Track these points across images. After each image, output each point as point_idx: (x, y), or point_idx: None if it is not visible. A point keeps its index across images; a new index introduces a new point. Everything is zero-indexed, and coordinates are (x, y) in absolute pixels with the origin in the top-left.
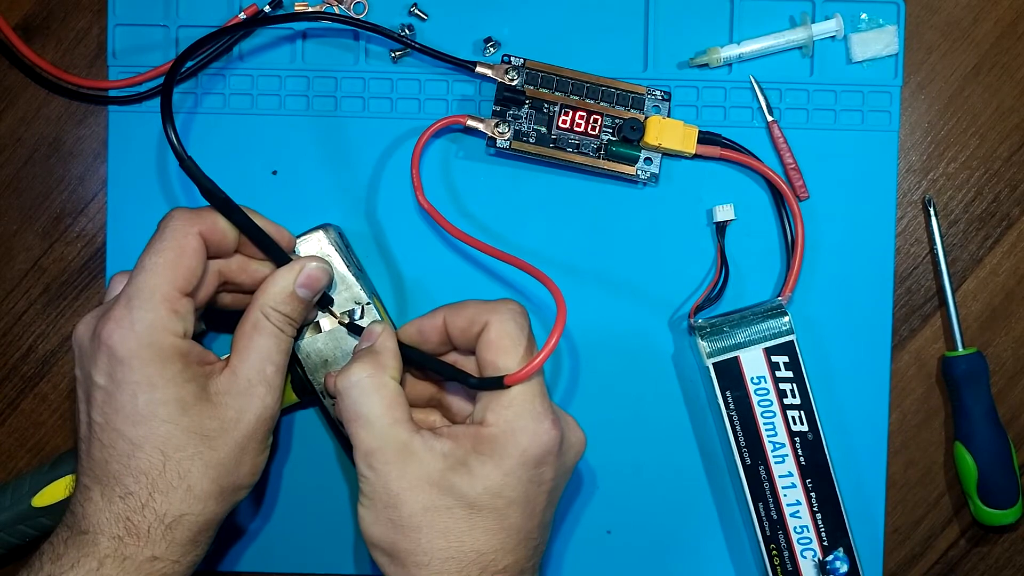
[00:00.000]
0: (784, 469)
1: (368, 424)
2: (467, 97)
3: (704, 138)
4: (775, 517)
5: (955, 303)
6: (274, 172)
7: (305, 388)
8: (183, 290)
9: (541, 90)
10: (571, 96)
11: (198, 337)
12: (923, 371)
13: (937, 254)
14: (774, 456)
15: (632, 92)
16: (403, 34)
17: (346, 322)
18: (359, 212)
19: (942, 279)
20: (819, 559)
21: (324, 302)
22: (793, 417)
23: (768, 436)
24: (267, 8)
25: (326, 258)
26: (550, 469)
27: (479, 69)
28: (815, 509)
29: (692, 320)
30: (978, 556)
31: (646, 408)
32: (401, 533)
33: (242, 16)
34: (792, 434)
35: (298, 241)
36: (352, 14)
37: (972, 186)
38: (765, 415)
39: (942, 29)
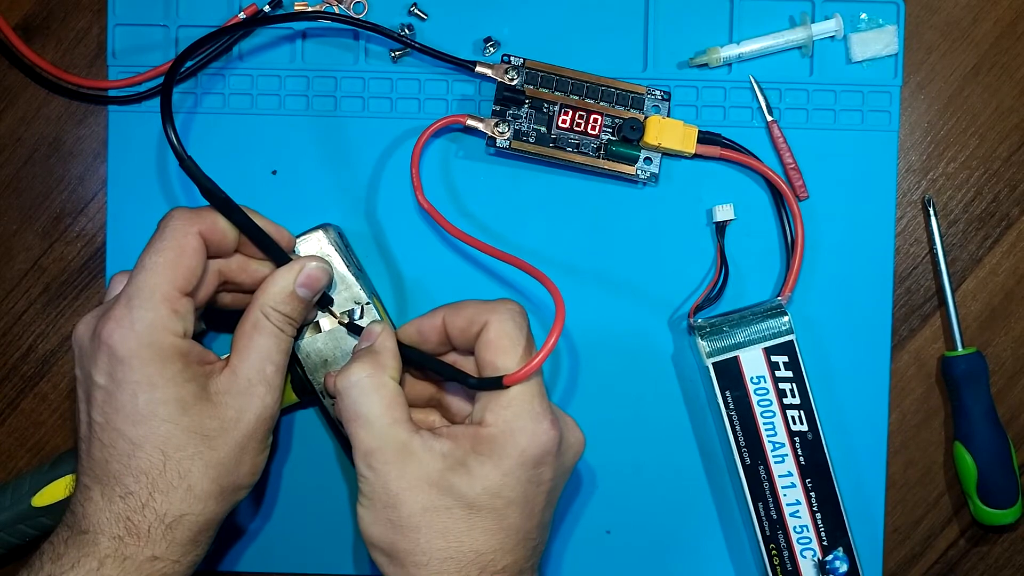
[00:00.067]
0: (784, 469)
1: (367, 424)
2: (467, 97)
3: (704, 138)
4: (775, 517)
5: (955, 303)
6: (274, 172)
7: (305, 388)
8: (183, 290)
9: (541, 90)
10: (571, 96)
11: (198, 337)
12: (923, 371)
13: (937, 254)
14: (774, 456)
15: (632, 92)
16: (403, 34)
17: (346, 322)
18: (359, 212)
19: (942, 279)
20: (819, 559)
21: (324, 302)
22: (793, 417)
23: (768, 436)
24: (267, 8)
25: (326, 258)
26: (549, 469)
27: (479, 69)
28: (815, 509)
29: (692, 320)
30: (978, 556)
31: (646, 408)
32: (400, 533)
33: (242, 16)
34: (792, 434)
35: (298, 241)
36: (352, 14)
37: (972, 186)
38: (765, 415)
39: (942, 29)
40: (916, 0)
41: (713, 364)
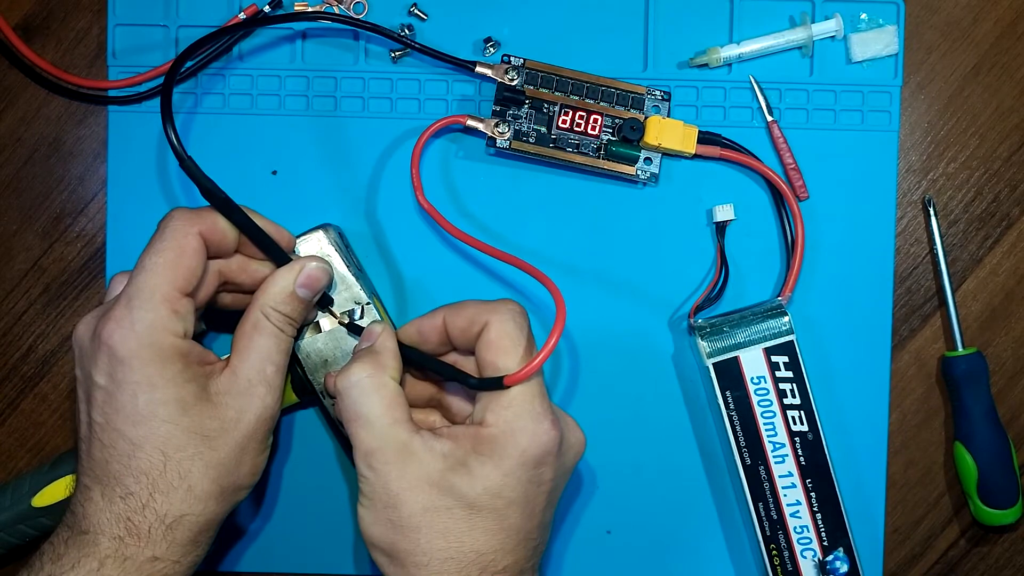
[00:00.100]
0: (784, 469)
1: (368, 424)
2: (467, 97)
3: (704, 138)
4: (775, 517)
5: (955, 303)
6: (274, 172)
7: (305, 388)
8: (183, 290)
9: (541, 90)
10: (571, 96)
11: (198, 337)
12: (923, 371)
13: (937, 254)
14: (774, 456)
15: (632, 92)
16: (403, 34)
17: (346, 322)
18: (359, 212)
19: (942, 279)
20: (819, 559)
21: (324, 302)
22: (793, 417)
23: (768, 436)
24: (267, 8)
25: (326, 258)
26: (549, 469)
27: (479, 69)
28: (815, 509)
29: (692, 320)
30: (978, 556)
31: (646, 408)
32: (401, 533)
33: (242, 16)
34: (792, 434)
35: (298, 241)
36: (352, 14)
37: (972, 186)
38: (765, 415)
39: (942, 29)
40: (916, 0)
41: (713, 364)
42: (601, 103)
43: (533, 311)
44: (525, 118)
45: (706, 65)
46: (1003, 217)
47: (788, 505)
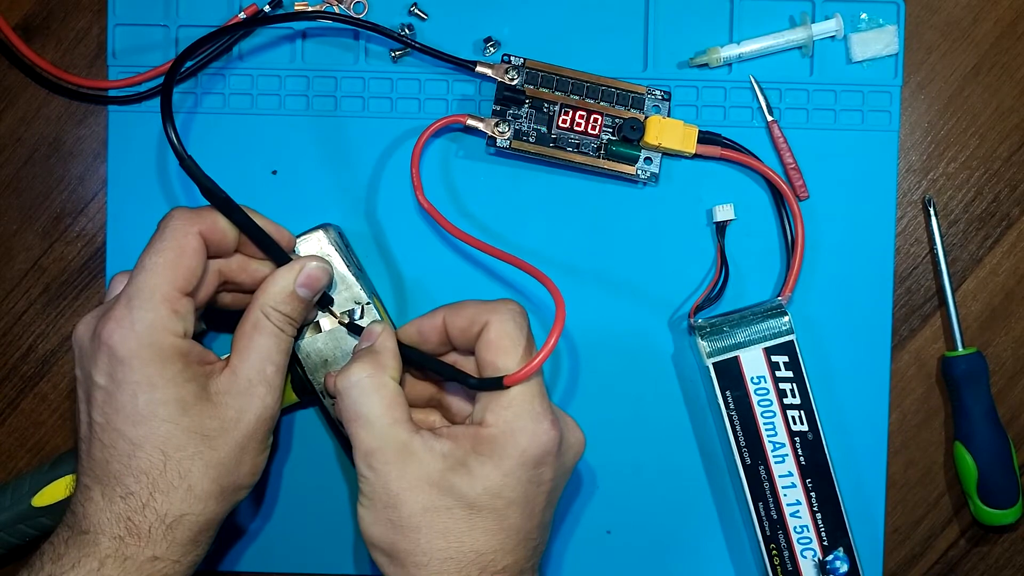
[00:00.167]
0: (784, 469)
1: (368, 424)
2: (467, 97)
3: (704, 138)
4: (775, 517)
5: (955, 303)
6: (274, 172)
7: (305, 388)
8: (183, 290)
9: (541, 90)
10: (571, 96)
11: (198, 337)
12: (923, 371)
13: (937, 254)
14: (774, 456)
15: (632, 92)
16: (403, 34)
17: (346, 322)
18: (359, 212)
19: (942, 279)
20: (819, 559)
21: (324, 302)
22: (793, 417)
23: (768, 436)
24: (267, 8)
25: (326, 258)
26: (549, 469)
27: (479, 69)
28: (815, 509)
29: (692, 320)
30: (978, 556)
31: (646, 408)
32: (400, 533)
33: (242, 16)
34: (792, 434)
35: (298, 241)
36: (352, 14)
37: (972, 186)
38: (765, 415)
39: (942, 29)
40: (916, 0)
41: (713, 364)
42: (601, 103)
43: (533, 311)
44: (525, 118)
45: (706, 65)
46: (1003, 217)
47: (788, 505)
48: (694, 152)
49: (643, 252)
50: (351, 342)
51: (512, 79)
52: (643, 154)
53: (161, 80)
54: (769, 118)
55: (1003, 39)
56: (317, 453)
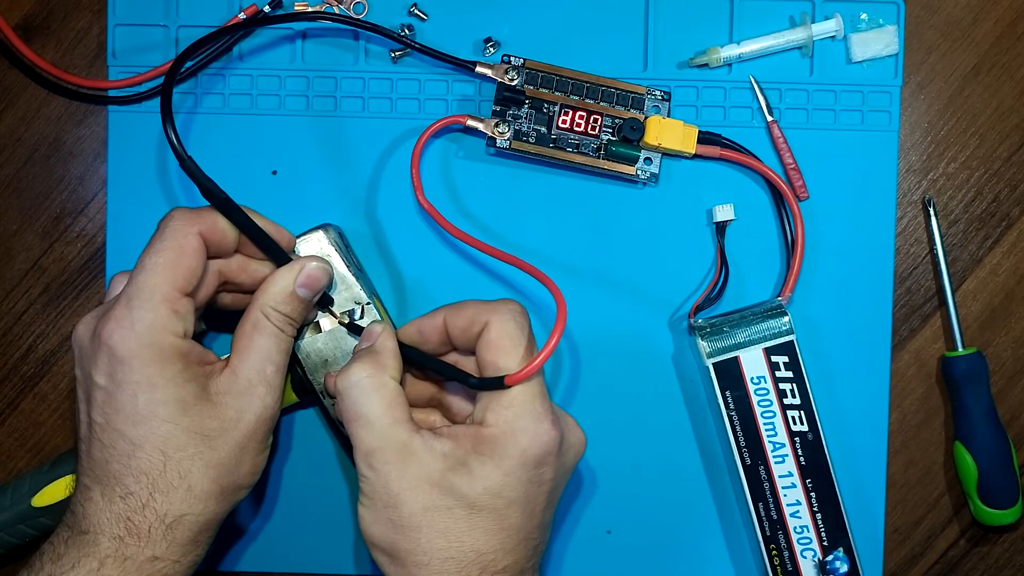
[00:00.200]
0: (784, 469)
1: (368, 424)
2: (467, 97)
3: (704, 138)
4: (775, 517)
5: (955, 303)
6: (274, 172)
7: (305, 388)
8: (183, 290)
9: (541, 90)
10: (571, 96)
11: (198, 337)
12: (923, 371)
13: (937, 254)
14: (774, 456)
15: (632, 92)
16: (403, 34)
17: (346, 322)
18: (359, 212)
19: (942, 279)
20: (819, 559)
21: (324, 302)
22: (793, 417)
23: (768, 436)
24: (267, 8)
25: (326, 258)
26: (550, 469)
27: (479, 69)
28: (815, 509)
29: (692, 320)
30: (978, 556)
31: (646, 408)
32: (401, 533)
33: (242, 16)
34: (792, 434)
35: (298, 241)
36: (352, 14)
37: (972, 186)
38: (765, 415)
39: (942, 29)
40: (916, 0)
41: (713, 364)
42: (601, 103)
43: (533, 311)
44: (525, 118)
45: (706, 65)
46: (1003, 217)
47: (788, 505)
48: (694, 152)
49: (643, 252)
50: (351, 342)
51: (512, 79)
52: (643, 154)
53: (161, 80)
54: (769, 118)
55: (1003, 39)
56: (317, 453)
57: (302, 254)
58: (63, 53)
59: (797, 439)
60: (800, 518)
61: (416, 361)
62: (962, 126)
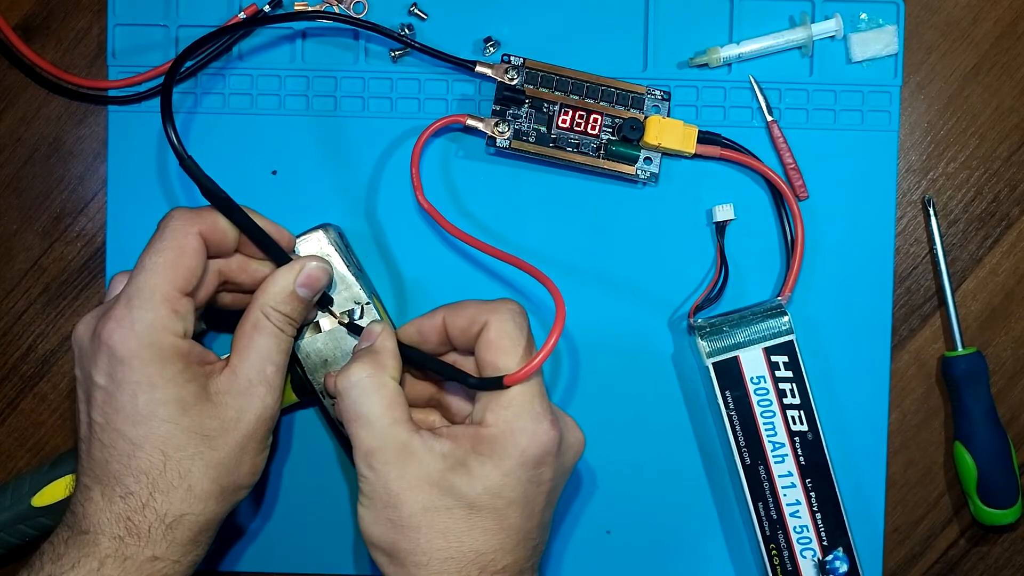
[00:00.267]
0: (784, 469)
1: (368, 424)
2: (467, 97)
3: (704, 138)
4: (775, 517)
5: (955, 303)
6: (274, 172)
7: (305, 388)
8: (183, 290)
9: (541, 90)
10: (571, 96)
11: (198, 337)
12: (923, 371)
13: (937, 254)
14: (774, 456)
15: (632, 92)
16: (403, 34)
17: (346, 322)
18: (359, 212)
19: (942, 279)
20: (819, 559)
21: (324, 302)
22: (793, 417)
23: (768, 436)
24: (267, 8)
25: (326, 258)
26: (549, 469)
27: (479, 69)
28: (815, 509)
29: (692, 320)
30: (978, 556)
31: (646, 408)
32: (400, 533)
33: (242, 16)
34: (792, 434)
35: (298, 241)
36: (352, 14)
37: (972, 186)
38: (765, 415)
39: (942, 29)
40: (916, 0)
41: (713, 364)
42: (601, 103)
43: (533, 311)
44: (525, 118)
45: (706, 65)
46: (1003, 217)
47: (788, 505)
48: (694, 152)
49: (643, 252)
50: (351, 342)
51: (512, 79)
52: (643, 154)
53: (161, 80)
54: (769, 118)
55: (1003, 39)
56: (317, 453)
57: (302, 254)
58: (63, 53)
59: (797, 439)
60: (800, 518)
61: (416, 361)
62: (962, 126)
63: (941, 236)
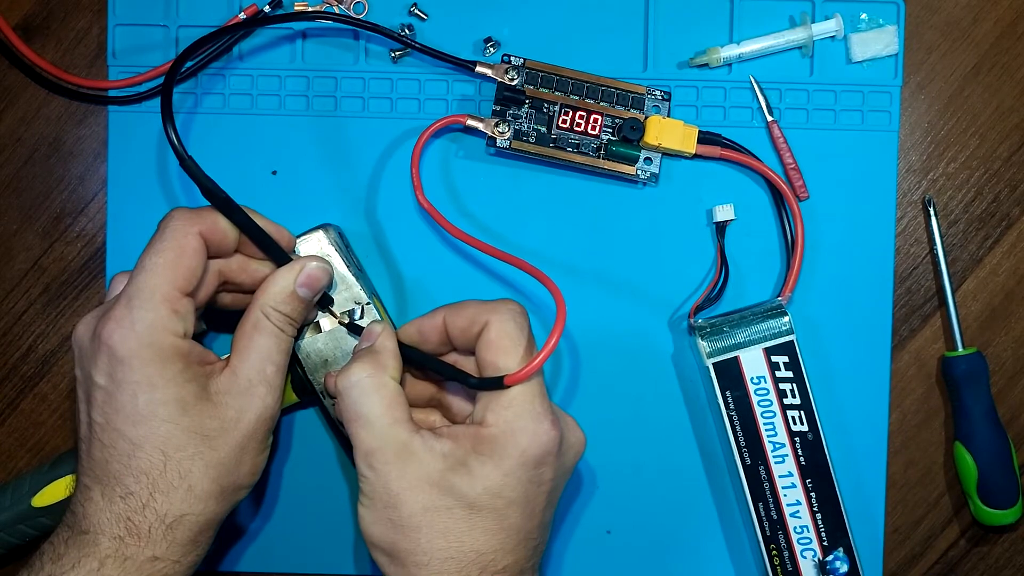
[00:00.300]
0: (784, 469)
1: (368, 424)
2: (467, 97)
3: (704, 138)
4: (775, 517)
5: (955, 303)
6: (274, 172)
7: (305, 388)
8: (183, 290)
9: (541, 90)
10: (571, 96)
11: (198, 337)
12: (923, 371)
13: (937, 254)
14: (774, 456)
15: (632, 92)
16: (403, 34)
17: (346, 322)
18: (359, 212)
19: (942, 279)
20: (819, 559)
21: (324, 302)
22: (793, 417)
23: (768, 436)
24: (267, 8)
25: (326, 258)
26: (549, 469)
27: (479, 69)
28: (815, 509)
29: (692, 320)
30: (978, 556)
31: (646, 408)
32: (401, 533)
33: (242, 16)
34: (792, 434)
35: (298, 241)
36: (352, 14)
37: (972, 186)
38: (765, 415)
39: (942, 29)
40: (916, 0)
41: (713, 364)
42: (601, 103)
43: (533, 311)
44: (525, 118)
45: (706, 65)
46: (1003, 217)
47: (788, 505)
48: (694, 152)
49: (643, 252)
50: (351, 342)
51: (512, 79)
52: (643, 154)
53: (161, 80)
54: (769, 118)
55: (1003, 39)
56: (317, 453)
57: (302, 254)
58: (63, 53)
59: (797, 439)
60: (800, 518)
61: (416, 361)
62: (962, 126)
63: (941, 236)
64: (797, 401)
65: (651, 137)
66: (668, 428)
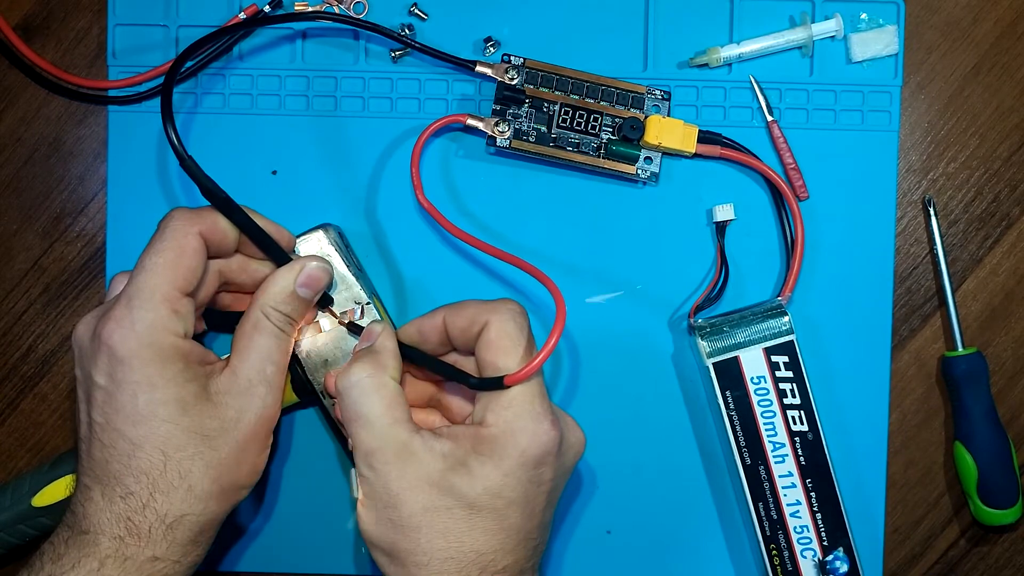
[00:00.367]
0: (784, 469)
1: (368, 424)
2: (467, 96)
3: (704, 138)
4: (775, 517)
5: (955, 303)
6: (274, 172)
7: (305, 388)
8: (183, 290)
9: (541, 89)
10: (571, 95)
11: (198, 337)
12: (923, 371)
13: (937, 254)
14: (774, 456)
15: (632, 92)
16: (403, 34)
17: (346, 322)
18: (359, 212)
19: (942, 279)
20: (819, 559)
21: (324, 302)
22: (793, 417)
23: (768, 436)
24: (267, 8)
25: (326, 258)
26: (549, 469)
27: (479, 68)
28: (815, 509)
29: (692, 320)
30: (978, 556)
31: (646, 408)
32: (401, 533)
33: (242, 16)
34: (792, 434)
35: (298, 241)
36: (352, 14)
37: (972, 186)
38: (765, 415)
39: (942, 29)
40: (916, 0)
41: (713, 364)
42: (601, 102)
43: (533, 311)
44: (525, 117)
45: (706, 65)
46: (1003, 217)
47: (788, 505)
48: (694, 152)
49: (643, 252)
50: (351, 342)
51: (512, 79)
52: (643, 154)
53: (161, 80)
54: (769, 118)
55: (1003, 39)
56: (317, 453)
57: (302, 254)
58: (63, 53)
59: (797, 439)
60: (800, 518)
61: (416, 361)
62: (962, 126)
63: (941, 236)
64: (797, 401)
65: (651, 137)
66: (668, 428)
